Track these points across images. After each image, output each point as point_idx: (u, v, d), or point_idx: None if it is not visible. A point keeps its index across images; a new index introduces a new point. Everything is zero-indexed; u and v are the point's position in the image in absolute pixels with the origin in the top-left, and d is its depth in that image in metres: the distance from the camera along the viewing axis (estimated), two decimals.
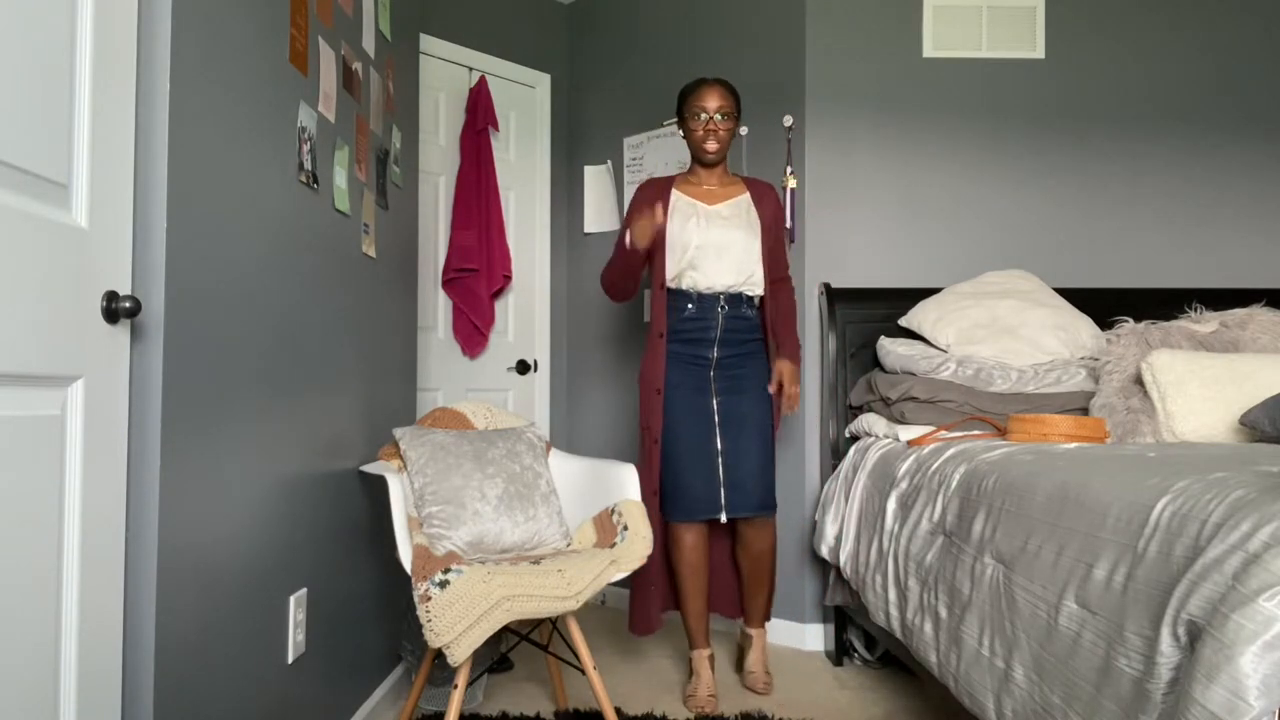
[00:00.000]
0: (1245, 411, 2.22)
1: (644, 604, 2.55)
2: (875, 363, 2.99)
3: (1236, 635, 0.96)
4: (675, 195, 2.54)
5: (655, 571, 2.55)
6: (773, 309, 2.59)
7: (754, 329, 2.55)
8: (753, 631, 2.63)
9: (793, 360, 2.53)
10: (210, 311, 1.44)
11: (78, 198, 1.17)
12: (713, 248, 2.46)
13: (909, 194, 3.12)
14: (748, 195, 2.57)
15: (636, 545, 2.09)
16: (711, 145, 2.48)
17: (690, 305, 2.50)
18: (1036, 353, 2.70)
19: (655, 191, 2.54)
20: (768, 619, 2.66)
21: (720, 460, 2.46)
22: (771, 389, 2.50)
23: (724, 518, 2.45)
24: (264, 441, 1.66)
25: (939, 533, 2.00)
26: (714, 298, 2.49)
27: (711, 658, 2.56)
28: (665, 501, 2.49)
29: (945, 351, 2.75)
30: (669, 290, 2.52)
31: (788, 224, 2.86)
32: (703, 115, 2.46)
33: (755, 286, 2.53)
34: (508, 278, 3.46)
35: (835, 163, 3.11)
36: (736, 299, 2.51)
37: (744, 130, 3.09)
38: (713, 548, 2.68)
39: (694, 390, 2.49)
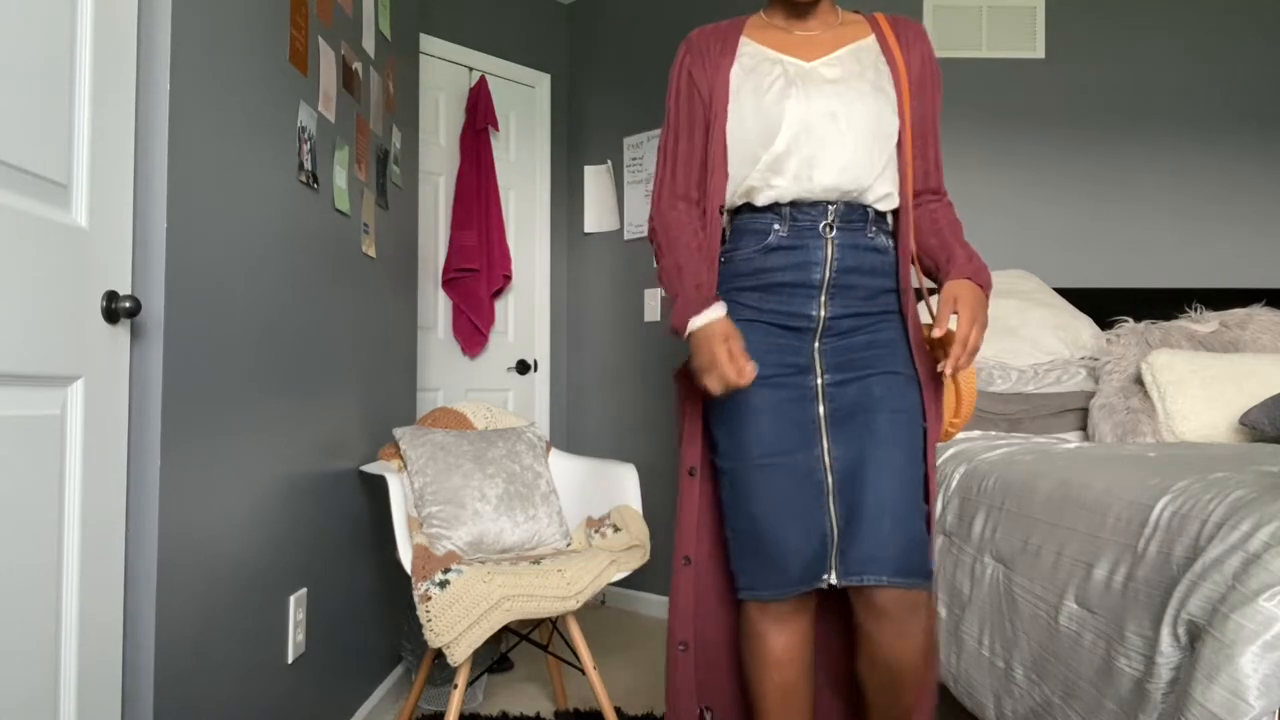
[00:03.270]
0: (1245, 411, 2.22)
1: None
2: None
3: (1236, 635, 0.96)
4: (745, 45, 1.53)
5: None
6: (929, 231, 1.53)
7: (887, 271, 1.50)
8: None
9: (978, 282, 1.43)
10: (210, 311, 1.44)
11: (78, 198, 1.17)
12: (816, 128, 1.43)
13: None
14: (873, 39, 1.52)
15: (634, 552, 2.09)
16: None
17: (777, 227, 1.48)
18: (1036, 353, 2.70)
19: (716, 41, 1.54)
20: None
21: (830, 486, 1.42)
22: (938, 331, 1.36)
23: (833, 581, 1.38)
24: (264, 441, 1.66)
25: (939, 532, 2.00)
26: (817, 211, 1.46)
27: None
28: (734, 570, 1.49)
29: None
30: (732, 212, 1.54)
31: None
32: None
33: (888, 197, 1.49)
34: (508, 278, 3.46)
35: None
36: (857, 215, 1.47)
37: None
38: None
39: (780, 376, 1.46)
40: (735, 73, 1.50)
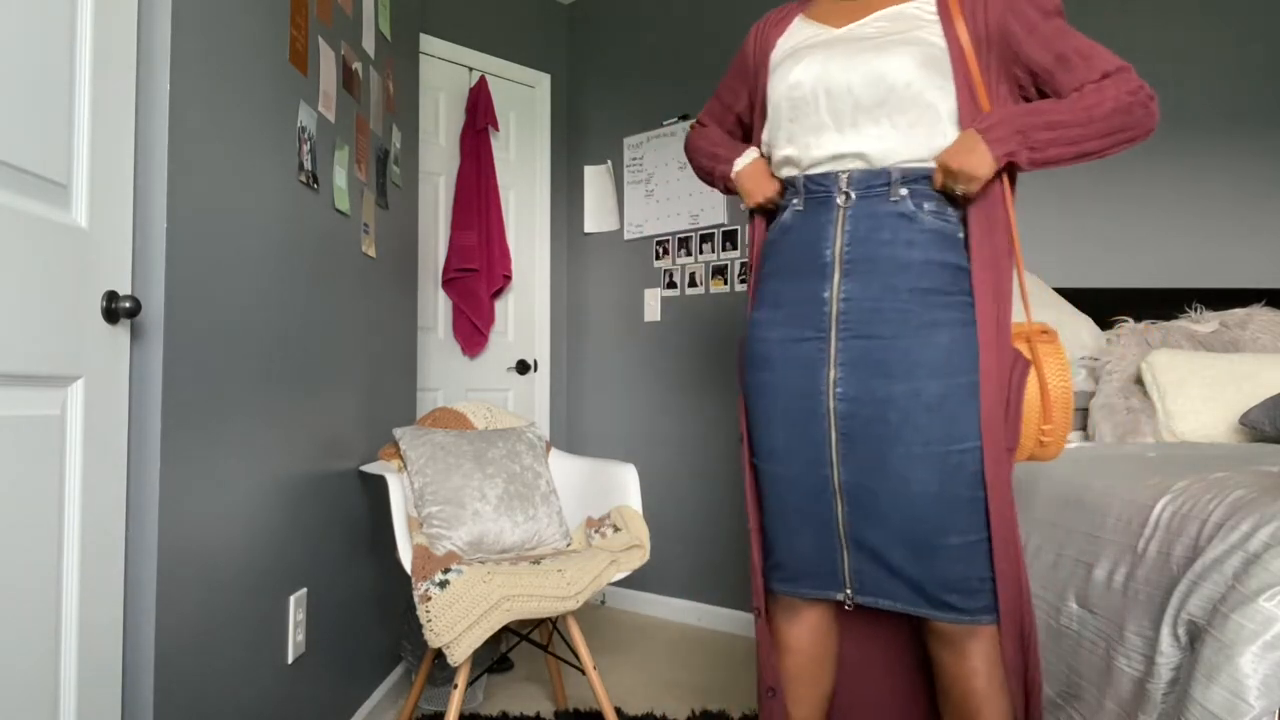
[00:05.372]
0: (1245, 411, 2.21)
1: None
2: None
3: (1236, 635, 0.96)
4: (796, 20, 1.52)
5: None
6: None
7: (929, 243, 1.34)
8: None
9: (978, 128, 1.29)
10: (210, 311, 1.44)
11: (78, 198, 1.17)
12: (824, 94, 1.37)
13: None
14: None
15: (633, 553, 2.09)
16: None
17: (795, 202, 1.43)
18: None
19: (776, 19, 1.56)
20: None
21: (838, 500, 1.38)
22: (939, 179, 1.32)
23: (845, 600, 1.41)
24: (264, 441, 1.66)
25: None
26: (829, 180, 1.38)
27: None
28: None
29: None
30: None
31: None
32: None
33: (924, 160, 1.35)
34: (508, 278, 3.46)
35: None
36: (879, 179, 1.35)
37: None
38: (884, 662, 1.57)
39: (794, 379, 1.41)
40: (777, 48, 1.51)
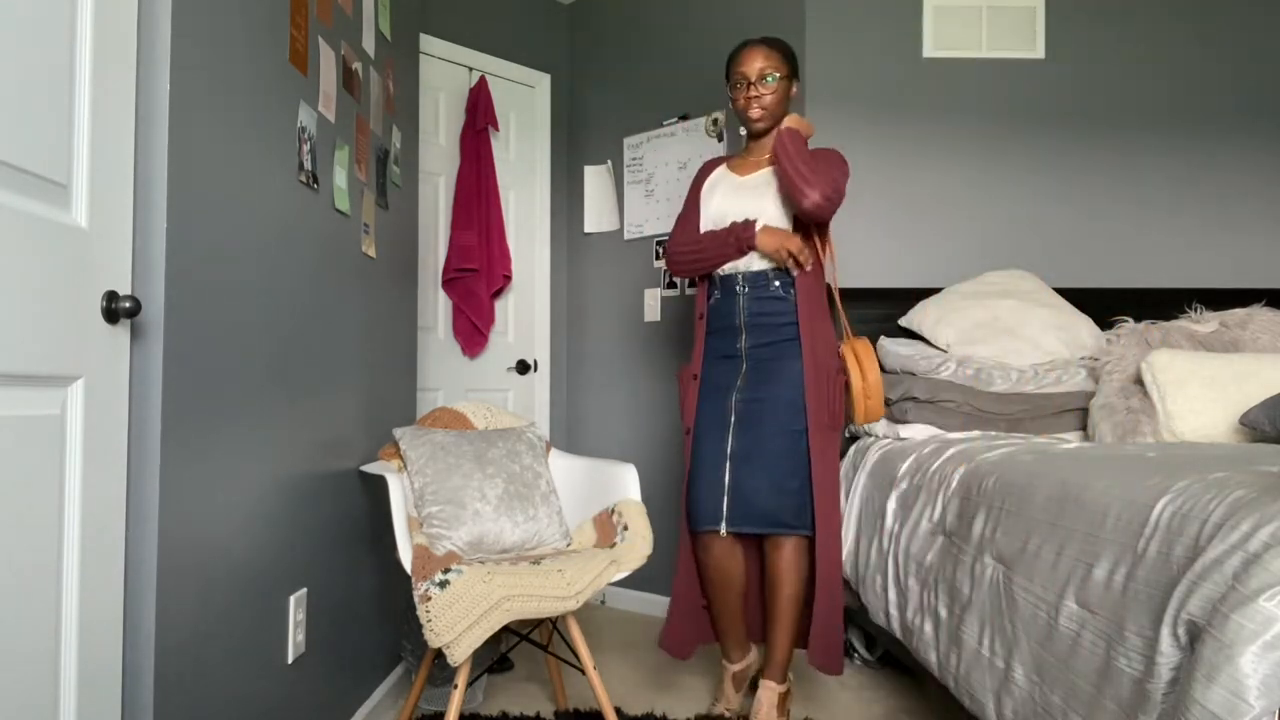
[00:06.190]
0: (1245, 411, 2.21)
1: (671, 622, 2.31)
2: None
3: (1236, 635, 0.96)
4: (716, 173, 2.36)
5: (684, 590, 2.31)
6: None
7: (785, 313, 2.20)
8: (761, 681, 2.21)
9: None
10: (210, 311, 1.44)
11: (78, 198, 1.17)
12: (729, 218, 2.22)
13: (909, 194, 3.12)
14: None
15: (637, 545, 2.10)
16: (755, 113, 2.21)
17: (716, 292, 2.28)
18: (1036, 353, 2.70)
19: (703, 175, 2.39)
20: (782, 677, 2.21)
21: (728, 464, 2.15)
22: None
23: (723, 530, 2.15)
24: (264, 441, 1.66)
25: (939, 533, 2.00)
26: (732, 278, 2.24)
27: (739, 675, 2.32)
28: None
29: (945, 351, 2.75)
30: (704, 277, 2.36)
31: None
32: (742, 84, 2.22)
33: (776, 266, 2.21)
34: (508, 278, 3.46)
35: None
36: (759, 279, 2.21)
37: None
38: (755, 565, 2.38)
39: (720, 386, 2.24)
40: (708, 182, 2.36)
